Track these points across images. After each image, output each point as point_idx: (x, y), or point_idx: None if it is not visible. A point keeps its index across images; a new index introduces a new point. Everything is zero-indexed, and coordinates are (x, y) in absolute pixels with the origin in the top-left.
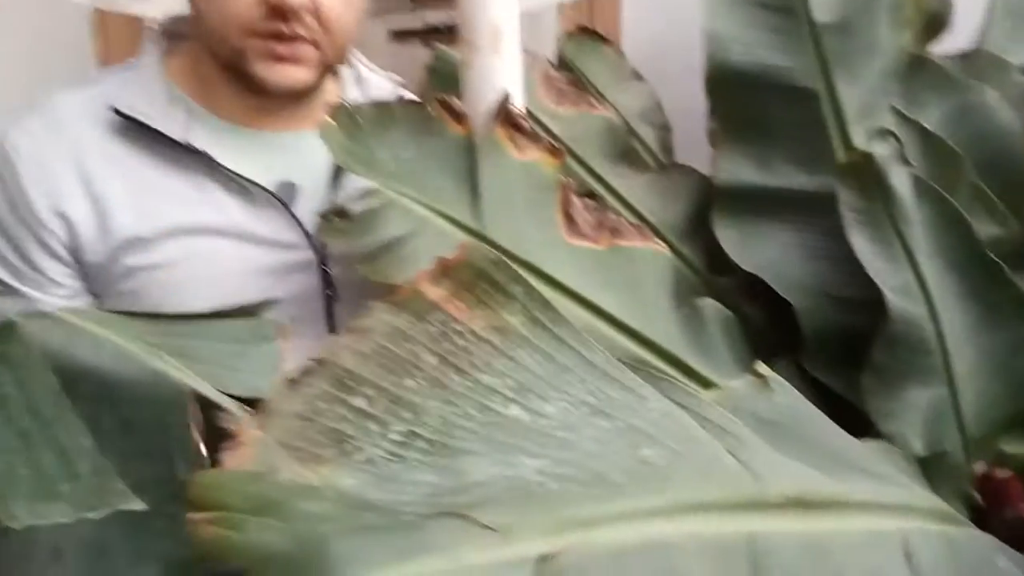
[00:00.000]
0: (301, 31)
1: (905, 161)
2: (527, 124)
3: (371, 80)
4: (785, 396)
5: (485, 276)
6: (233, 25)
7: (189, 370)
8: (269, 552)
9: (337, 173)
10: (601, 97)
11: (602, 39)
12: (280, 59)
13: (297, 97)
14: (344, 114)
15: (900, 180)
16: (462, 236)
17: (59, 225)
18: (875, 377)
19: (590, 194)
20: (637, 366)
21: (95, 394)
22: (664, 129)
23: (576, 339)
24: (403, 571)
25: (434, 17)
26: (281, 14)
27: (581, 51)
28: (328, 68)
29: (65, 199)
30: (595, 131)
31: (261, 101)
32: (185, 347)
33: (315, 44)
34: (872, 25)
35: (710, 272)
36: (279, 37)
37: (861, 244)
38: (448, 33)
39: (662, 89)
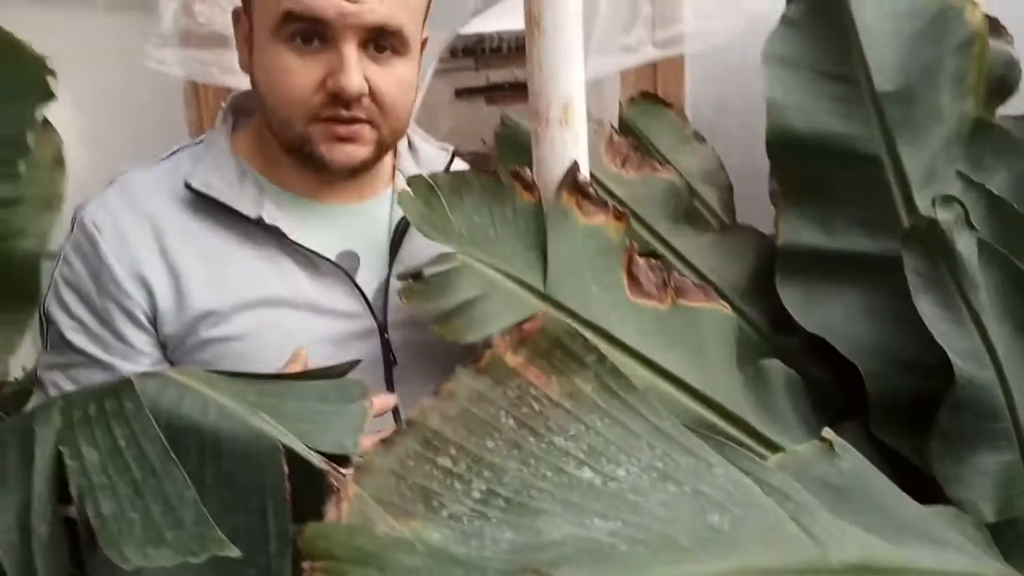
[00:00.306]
0: (360, 114)
1: (970, 226)
2: (593, 191)
3: (423, 150)
4: (850, 461)
5: (560, 345)
6: (297, 113)
7: (283, 428)
8: None
9: (395, 242)
10: (664, 159)
11: (665, 103)
12: (341, 139)
13: (356, 172)
14: (422, 184)
15: (965, 245)
16: (531, 298)
17: (142, 294)
18: (942, 442)
19: (653, 255)
20: (703, 432)
21: (200, 449)
22: (726, 190)
23: (645, 406)
24: None
25: (497, 76)
26: (341, 100)
27: (644, 115)
28: (385, 145)
29: (146, 268)
30: (658, 193)
31: (323, 176)
32: (279, 406)
33: (372, 124)
34: (935, 93)
35: (774, 332)
36: (339, 120)
37: (927, 308)
38: (510, 90)
39: (724, 150)
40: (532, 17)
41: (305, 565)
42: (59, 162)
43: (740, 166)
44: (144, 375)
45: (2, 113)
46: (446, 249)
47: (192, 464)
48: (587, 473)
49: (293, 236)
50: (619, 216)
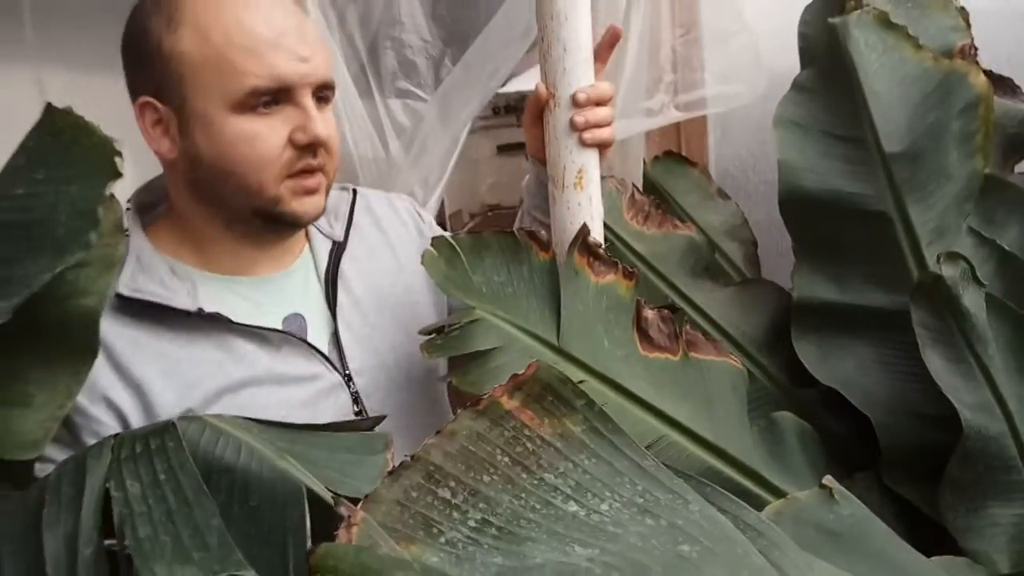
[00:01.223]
0: (321, 161)
1: (977, 281)
2: (604, 252)
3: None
4: (850, 508)
5: (552, 390)
6: (269, 175)
7: (308, 472)
8: None
9: (329, 294)
10: (687, 216)
11: (689, 162)
12: (308, 192)
13: (294, 232)
14: (444, 245)
15: (972, 300)
16: (545, 352)
17: (110, 416)
18: (954, 494)
19: (672, 307)
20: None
21: (230, 486)
22: (750, 244)
23: (630, 447)
24: None
25: None
26: (310, 150)
27: (668, 173)
28: (328, 194)
29: (109, 391)
30: (678, 249)
31: (258, 249)
32: (307, 453)
33: (324, 172)
34: (942, 153)
35: (793, 385)
36: (308, 171)
37: (935, 362)
38: None
39: (748, 206)
40: (549, 91)
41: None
42: (119, 228)
43: (764, 222)
44: (186, 418)
45: (77, 190)
46: (376, 293)
47: (223, 499)
48: (572, 507)
49: (237, 319)
50: (628, 275)
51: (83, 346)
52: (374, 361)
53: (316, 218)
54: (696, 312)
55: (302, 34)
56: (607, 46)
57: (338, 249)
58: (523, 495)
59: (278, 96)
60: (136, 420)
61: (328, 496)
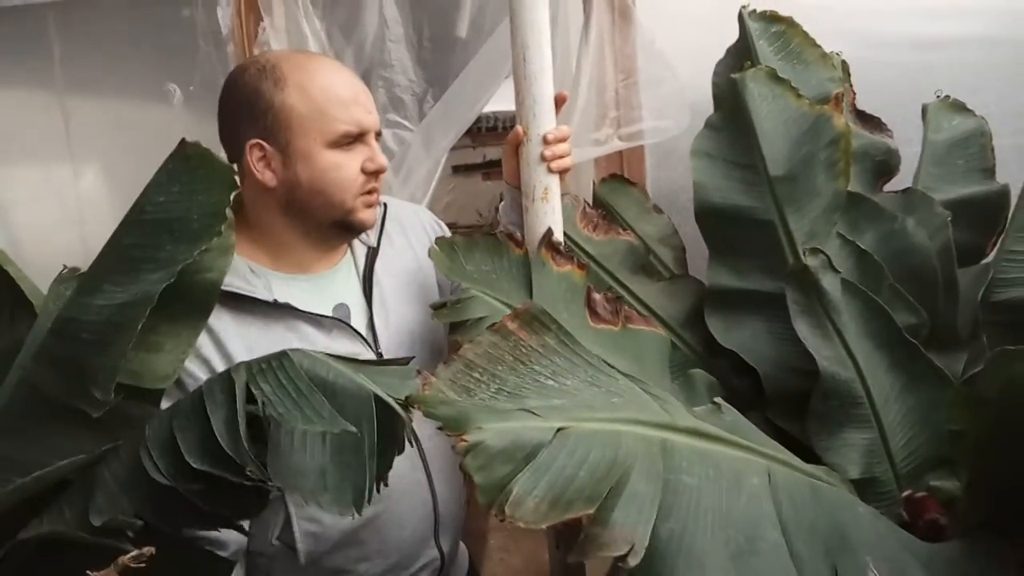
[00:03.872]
0: (378, 183)
1: (833, 269)
2: (563, 248)
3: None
4: (732, 416)
5: (536, 318)
6: (350, 193)
7: (373, 384)
8: (450, 413)
9: (366, 289)
10: (628, 226)
11: (630, 182)
12: (370, 205)
13: (354, 238)
14: (446, 244)
15: (830, 282)
16: None
17: (201, 368)
18: (816, 422)
19: (616, 297)
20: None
21: (323, 391)
22: (680, 250)
23: (584, 352)
24: (500, 426)
25: (493, 153)
26: (376, 175)
27: (613, 192)
28: None
29: (210, 360)
30: (620, 251)
31: (321, 252)
32: (369, 375)
33: (378, 192)
34: (813, 176)
35: (706, 354)
36: (373, 191)
37: (803, 328)
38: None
39: (679, 220)
40: (524, 131)
41: (414, 405)
42: (231, 226)
43: (692, 232)
44: (294, 351)
45: (204, 197)
46: (403, 288)
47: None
48: (550, 382)
49: (300, 307)
50: (581, 266)
51: (202, 307)
52: (396, 341)
53: (372, 226)
54: (634, 300)
55: (367, 94)
56: (559, 104)
57: (372, 253)
58: (521, 376)
59: (355, 137)
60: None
61: (388, 399)
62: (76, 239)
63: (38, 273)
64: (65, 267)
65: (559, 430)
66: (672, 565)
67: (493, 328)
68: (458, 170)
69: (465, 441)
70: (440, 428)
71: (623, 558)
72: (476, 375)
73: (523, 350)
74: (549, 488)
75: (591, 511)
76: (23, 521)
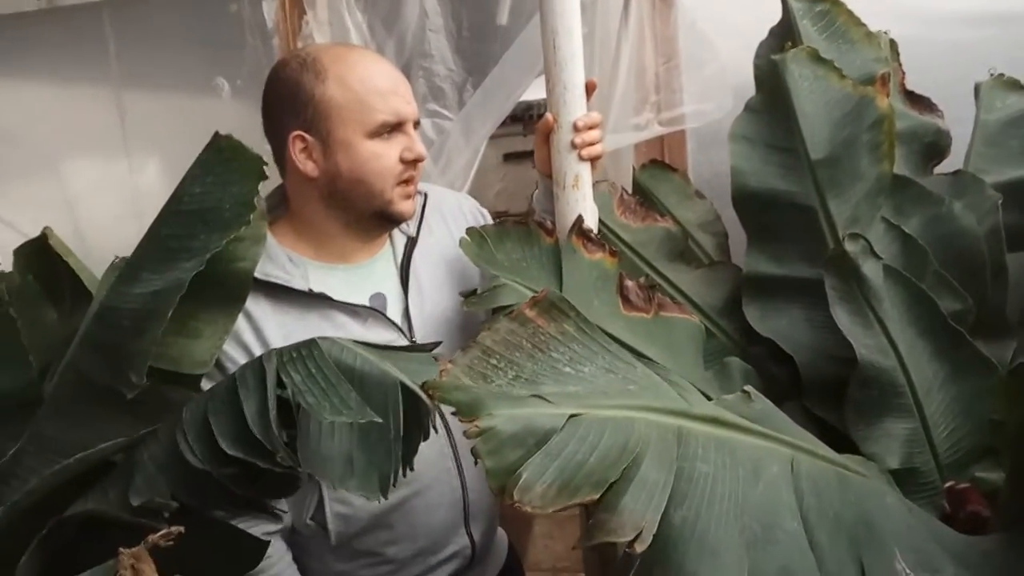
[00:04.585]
0: (416, 172)
1: (875, 255)
2: (595, 236)
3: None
4: (762, 404)
5: (555, 305)
6: (389, 182)
7: (399, 372)
8: (464, 398)
9: (403, 279)
10: (668, 213)
11: (671, 168)
12: (408, 196)
13: (393, 228)
14: (476, 233)
15: (871, 268)
16: None
17: (241, 353)
18: (854, 411)
19: (650, 285)
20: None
21: (351, 379)
22: (722, 236)
23: (602, 338)
24: (512, 412)
25: None
26: (414, 164)
27: (654, 178)
28: None
29: (249, 345)
30: (657, 238)
31: (362, 242)
32: (395, 362)
33: (416, 181)
34: (855, 159)
35: (744, 342)
36: (411, 180)
37: (841, 315)
38: None
39: (721, 205)
40: (554, 118)
41: (429, 392)
42: (263, 216)
43: (736, 217)
44: (323, 339)
45: (237, 188)
46: (441, 277)
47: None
48: (567, 369)
49: (337, 296)
50: (612, 254)
51: (237, 295)
52: (432, 329)
53: (411, 216)
54: (671, 287)
55: (406, 85)
56: (589, 91)
57: (411, 244)
58: (539, 363)
59: (394, 127)
60: None
61: (413, 385)
62: (135, 232)
63: (100, 264)
64: (117, 257)
65: (571, 416)
66: (684, 552)
67: (511, 315)
68: (509, 158)
69: (477, 426)
70: (454, 414)
71: (631, 544)
72: (493, 362)
73: (541, 337)
74: (559, 473)
75: (596, 496)
76: (68, 500)
